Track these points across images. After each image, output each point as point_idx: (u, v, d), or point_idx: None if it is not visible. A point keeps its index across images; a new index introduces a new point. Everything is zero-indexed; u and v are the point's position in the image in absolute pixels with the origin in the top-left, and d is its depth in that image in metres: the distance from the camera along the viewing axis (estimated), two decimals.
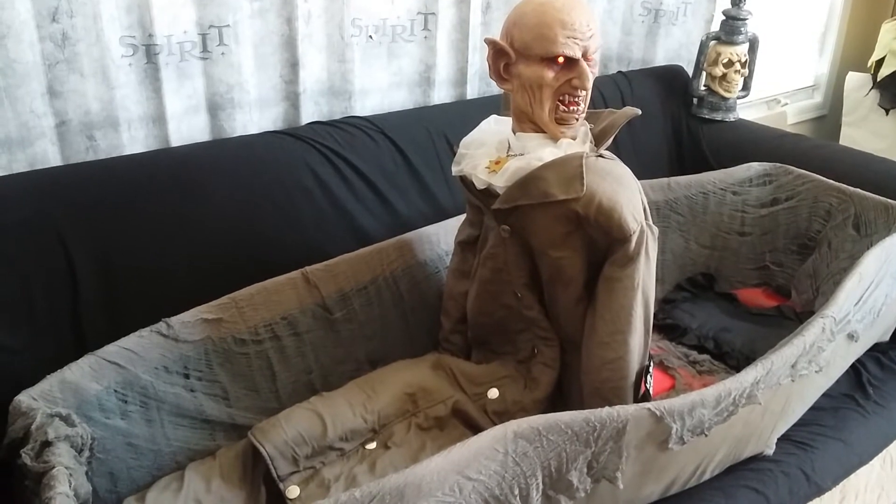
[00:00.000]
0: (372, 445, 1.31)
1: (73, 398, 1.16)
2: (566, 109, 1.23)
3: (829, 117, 3.24)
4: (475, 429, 1.29)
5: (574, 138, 1.26)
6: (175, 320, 1.29)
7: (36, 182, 1.35)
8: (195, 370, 1.30)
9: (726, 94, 2.18)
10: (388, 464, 1.26)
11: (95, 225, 1.37)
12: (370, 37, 1.77)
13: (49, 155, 1.44)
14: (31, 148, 1.41)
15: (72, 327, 1.34)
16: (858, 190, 1.70)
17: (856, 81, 2.99)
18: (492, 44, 1.24)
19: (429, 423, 1.34)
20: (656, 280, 1.30)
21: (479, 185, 1.30)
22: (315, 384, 1.43)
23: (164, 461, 1.27)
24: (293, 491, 1.23)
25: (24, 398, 1.11)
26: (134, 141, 1.53)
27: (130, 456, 1.22)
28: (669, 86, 2.23)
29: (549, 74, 1.20)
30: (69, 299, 1.34)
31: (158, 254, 1.42)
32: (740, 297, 1.84)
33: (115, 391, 1.21)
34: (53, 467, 0.99)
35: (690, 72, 2.25)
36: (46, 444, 1.04)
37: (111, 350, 1.22)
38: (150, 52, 1.48)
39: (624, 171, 1.24)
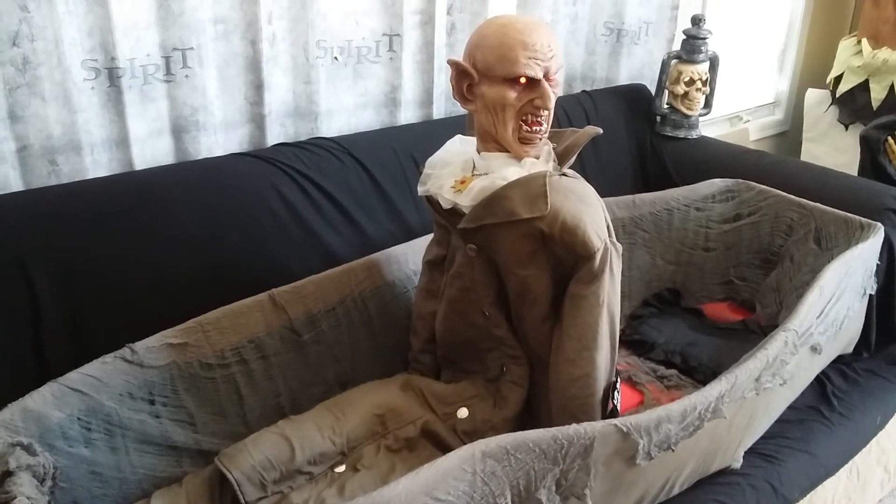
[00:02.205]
0: (341, 468, 1.30)
1: (36, 427, 1.14)
2: (529, 129, 1.24)
3: (791, 133, 3.30)
4: (445, 449, 1.28)
5: (538, 157, 1.27)
6: (139, 346, 1.27)
7: None
8: (160, 396, 1.29)
9: (688, 112, 2.21)
10: (358, 486, 1.25)
11: (58, 250, 1.35)
12: (335, 58, 1.78)
13: (10, 180, 1.42)
14: None
15: (34, 354, 1.32)
16: (818, 204, 1.73)
17: (815, 98, 3.05)
18: (455, 65, 1.25)
19: (398, 444, 1.34)
20: (623, 296, 1.31)
21: (445, 205, 1.31)
22: (283, 407, 1.42)
23: (130, 489, 1.25)
24: None
25: None
26: (97, 165, 1.52)
27: (95, 485, 1.20)
28: (633, 104, 2.26)
29: (512, 95, 1.21)
30: (31, 326, 1.32)
31: (123, 279, 1.40)
32: (706, 312, 1.86)
33: (79, 419, 1.19)
34: (15, 497, 0.97)
35: (653, 90, 2.28)
36: (8, 473, 1.01)
37: (74, 377, 1.20)
38: (112, 76, 1.48)
39: (587, 190, 1.25)
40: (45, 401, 1.16)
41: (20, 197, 1.39)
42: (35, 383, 1.18)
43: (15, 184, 1.43)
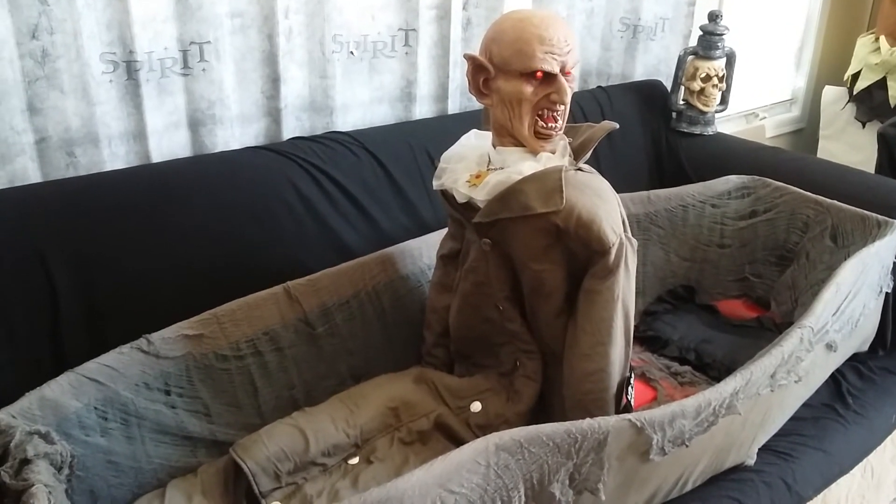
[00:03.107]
0: (354, 460, 1.31)
1: (53, 416, 1.15)
2: (545, 124, 1.24)
3: (807, 130, 3.28)
4: (458, 442, 1.29)
5: (553, 152, 1.27)
6: (156, 336, 1.28)
7: (15, 199, 1.35)
8: (176, 386, 1.30)
9: (704, 108, 2.20)
10: (371, 478, 1.26)
11: (76, 241, 1.36)
12: (351, 53, 1.78)
13: (29, 172, 1.43)
14: (11, 165, 1.41)
15: (51, 344, 1.33)
16: (835, 202, 1.72)
17: (832, 95, 3.03)
18: (471, 59, 1.25)
19: (412, 437, 1.34)
20: (637, 292, 1.31)
21: (460, 199, 1.31)
22: (297, 399, 1.43)
23: (145, 478, 1.26)
24: None
25: (2, 416, 1.10)
26: (114, 157, 1.53)
27: (111, 473, 1.21)
28: (648, 100, 2.26)
29: (528, 89, 1.21)
30: (49, 316, 1.33)
31: (139, 270, 1.41)
32: (721, 309, 1.85)
33: (96, 408, 1.20)
34: (33, 485, 0.98)
35: (669, 86, 2.27)
36: (25, 461, 1.03)
37: (91, 367, 1.21)
38: (130, 69, 1.49)
39: (603, 185, 1.25)
40: (63, 390, 1.17)
41: (38, 189, 1.41)
42: (53, 373, 1.19)
43: (33, 175, 1.44)
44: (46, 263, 1.33)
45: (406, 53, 1.87)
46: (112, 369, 1.23)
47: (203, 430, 1.32)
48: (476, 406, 1.36)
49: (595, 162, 1.91)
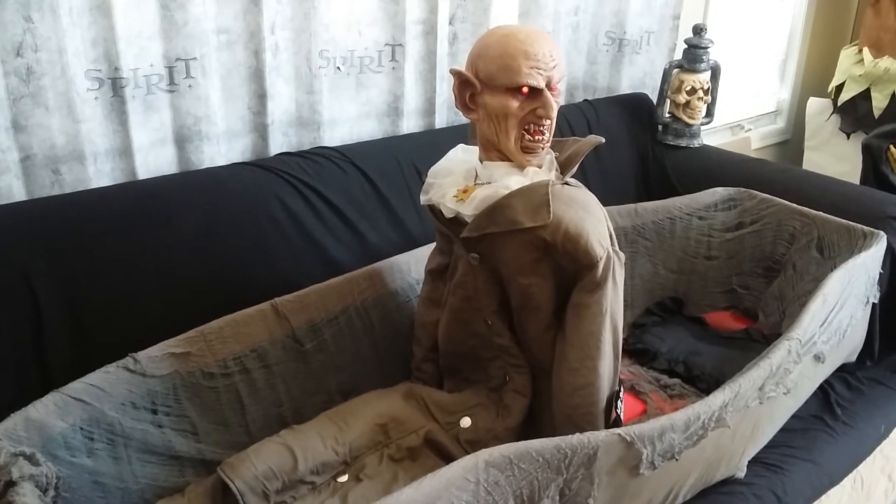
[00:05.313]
0: (343, 478, 1.30)
1: (38, 437, 1.14)
2: (531, 138, 1.24)
3: (792, 142, 3.31)
4: (448, 458, 1.28)
5: (540, 166, 1.28)
6: (142, 355, 1.27)
7: (0, 217, 1.34)
8: (163, 405, 1.29)
9: (690, 121, 2.21)
10: (360, 496, 1.25)
11: (61, 260, 1.35)
12: (338, 68, 1.78)
13: (14, 190, 1.42)
14: None
15: (37, 364, 1.32)
16: (821, 213, 1.73)
17: (817, 106, 3.05)
18: (457, 75, 1.25)
19: (401, 453, 1.33)
20: (626, 305, 1.31)
21: (448, 214, 1.31)
22: (286, 417, 1.42)
23: (132, 499, 1.24)
24: None
25: None
26: (100, 174, 1.52)
27: (97, 494, 1.20)
28: (635, 113, 2.27)
29: (514, 104, 1.22)
30: (34, 335, 1.32)
31: (125, 288, 1.40)
32: (709, 321, 1.85)
33: (81, 429, 1.19)
34: None
35: (655, 99, 2.29)
36: (10, 483, 1.01)
37: (77, 387, 1.20)
38: (116, 86, 1.48)
39: (589, 198, 1.25)
40: (48, 410, 1.16)
41: (24, 207, 1.39)
42: (38, 393, 1.18)
43: (18, 194, 1.43)
44: (31, 282, 1.32)
45: (393, 68, 1.87)
46: (98, 389, 1.22)
47: (190, 449, 1.30)
48: (466, 422, 1.36)
49: (582, 175, 1.91)
